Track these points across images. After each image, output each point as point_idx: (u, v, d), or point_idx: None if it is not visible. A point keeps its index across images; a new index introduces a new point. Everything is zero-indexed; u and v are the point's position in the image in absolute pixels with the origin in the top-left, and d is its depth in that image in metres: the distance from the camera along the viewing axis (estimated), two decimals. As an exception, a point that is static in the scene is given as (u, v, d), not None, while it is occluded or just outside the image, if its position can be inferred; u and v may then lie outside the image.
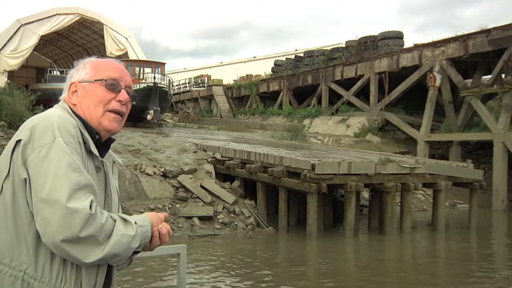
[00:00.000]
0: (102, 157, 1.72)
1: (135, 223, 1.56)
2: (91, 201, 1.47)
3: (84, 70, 1.75)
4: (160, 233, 1.68)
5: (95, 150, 1.64)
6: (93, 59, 1.80)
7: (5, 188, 1.54)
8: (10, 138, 11.82)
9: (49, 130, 1.52)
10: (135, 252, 1.66)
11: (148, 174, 13.24)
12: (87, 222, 1.43)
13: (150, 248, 1.70)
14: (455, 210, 16.90)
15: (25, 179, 1.50)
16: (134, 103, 1.83)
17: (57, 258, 1.52)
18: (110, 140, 1.82)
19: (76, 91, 1.73)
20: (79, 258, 1.46)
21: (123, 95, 1.74)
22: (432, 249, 12.00)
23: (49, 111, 1.66)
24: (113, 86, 1.72)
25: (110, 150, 1.87)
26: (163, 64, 27.42)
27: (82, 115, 1.70)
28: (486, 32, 19.76)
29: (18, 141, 1.54)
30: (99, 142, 1.71)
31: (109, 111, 1.72)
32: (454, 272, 9.55)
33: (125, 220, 1.55)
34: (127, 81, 1.78)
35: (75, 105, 1.72)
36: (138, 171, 13.29)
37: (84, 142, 1.61)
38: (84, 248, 1.45)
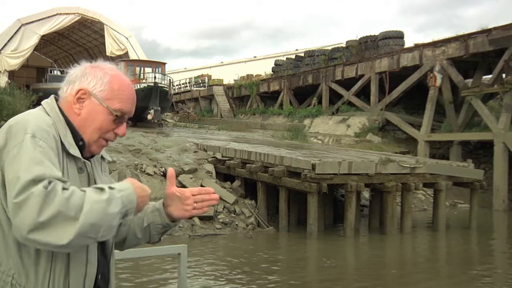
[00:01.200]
0: (86, 159, 1.67)
1: (111, 188, 1.45)
2: (48, 182, 1.36)
3: (101, 84, 1.64)
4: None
5: (75, 152, 1.58)
6: (114, 73, 1.68)
7: None
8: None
9: (22, 129, 1.46)
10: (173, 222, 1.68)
11: (148, 174, 13.24)
12: (44, 202, 1.32)
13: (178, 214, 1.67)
14: (456, 210, 16.89)
15: None
16: (156, 122, 1.77)
17: (41, 263, 1.47)
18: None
19: (83, 100, 1.64)
20: (54, 243, 1.33)
21: (122, 130, 1.69)
22: (432, 249, 12.00)
23: (25, 112, 1.61)
24: (119, 119, 1.67)
25: None
26: (164, 64, 27.41)
27: (76, 124, 1.64)
28: (486, 32, 19.76)
29: None
30: (81, 147, 1.65)
31: (103, 138, 1.68)
32: (454, 272, 9.55)
33: (99, 188, 1.45)
34: (132, 112, 1.72)
35: (77, 114, 1.64)
36: (138, 171, 13.29)
37: (62, 143, 1.55)
38: (53, 230, 1.33)
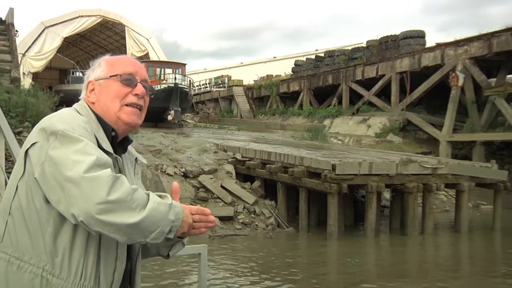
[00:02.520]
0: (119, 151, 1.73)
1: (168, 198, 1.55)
2: (111, 171, 1.46)
3: (99, 68, 1.77)
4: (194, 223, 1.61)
5: (107, 147, 1.63)
6: (107, 56, 1.82)
7: (19, 188, 1.57)
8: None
9: (60, 125, 1.54)
10: (180, 238, 1.67)
11: (169, 174, 13.34)
12: (113, 185, 1.41)
13: (187, 233, 1.61)
14: (479, 212, 16.63)
15: (35, 178, 1.51)
16: (152, 96, 1.83)
17: (75, 255, 1.52)
18: (127, 141, 1.82)
19: (93, 89, 1.75)
20: (123, 222, 1.40)
21: (140, 89, 1.75)
22: (455, 250, 11.84)
23: (59, 111, 1.68)
24: (128, 80, 1.74)
25: (133, 150, 1.88)
26: (184, 64, 27.57)
27: (100, 112, 1.72)
28: (510, 30, 19.40)
29: (34, 144, 1.56)
30: (114, 139, 1.72)
31: (126, 105, 1.73)
32: (478, 274, 9.40)
33: (159, 195, 1.53)
34: (143, 75, 1.79)
35: (93, 103, 1.73)
36: (159, 171, 13.40)
37: (97, 139, 1.61)
38: (121, 212, 1.40)
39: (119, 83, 1.73)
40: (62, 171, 1.45)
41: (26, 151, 1.58)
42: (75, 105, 1.75)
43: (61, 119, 1.58)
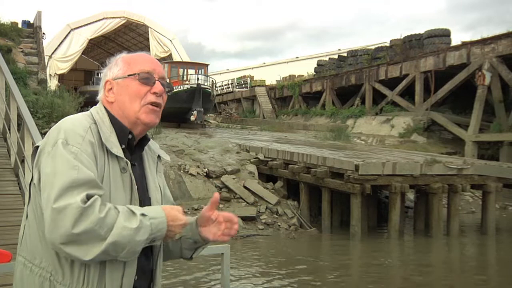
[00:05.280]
0: (135, 157, 1.73)
1: (143, 215, 1.50)
2: (87, 196, 1.45)
3: (116, 66, 1.75)
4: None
5: (118, 152, 1.63)
6: (124, 54, 1.80)
7: (32, 192, 1.60)
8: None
9: (55, 134, 1.55)
10: (189, 252, 1.75)
11: (191, 175, 13.42)
12: (80, 217, 1.40)
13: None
14: (506, 213, 16.30)
15: (34, 184, 1.56)
16: (169, 94, 1.82)
17: (76, 262, 1.52)
18: (144, 141, 1.81)
19: (111, 88, 1.74)
20: (79, 257, 1.43)
21: (158, 87, 1.73)
22: (481, 252, 11.63)
23: (69, 116, 1.69)
24: (146, 79, 1.72)
25: (156, 147, 1.88)
26: (207, 65, 27.71)
27: (118, 113, 1.71)
28: (539, 27, 18.97)
29: (37, 147, 1.60)
30: (131, 142, 1.71)
31: (146, 104, 1.71)
32: (505, 277, 9.21)
33: (132, 212, 1.50)
34: (160, 72, 1.77)
35: (112, 103, 1.72)
36: (182, 171, 13.48)
37: (104, 145, 1.61)
38: (83, 245, 1.42)
39: (137, 82, 1.71)
40: (44, 190, 1.48)
41: (33, 153, 1.63)
42: (92, 109, 1.75)
43: (65, 125, 1.59)
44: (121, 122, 1.70)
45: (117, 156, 1.63)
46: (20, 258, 1.62)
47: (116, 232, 1.44)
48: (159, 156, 1.87)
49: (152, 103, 1.72)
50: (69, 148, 1.51)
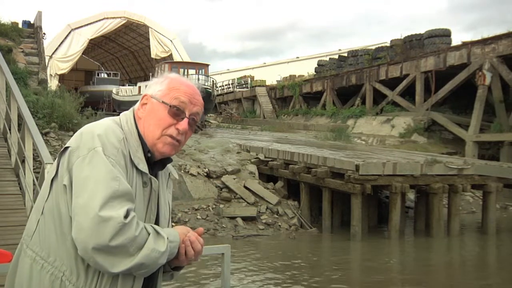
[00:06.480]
0: (155, 173, 1.74)
1: (167, 238, 1.55)
2: (127, 210, 1.47)
3: (160, 86, 1.75)
4: (187, 250, 1.64)
5: (144, 168, 1.65)
6: (174, 76, 1.79)
7: (53, 188, 1.61)
8: (60, 139, 12.20)
9: (93, 139, 1.55)
10: (177, 268, 1.75)
11: (192, 175, 13.42)
12: (119, 231, 1.44)
13: (178, 263, 1.67)
14: (506, 213, 16.29)
15: (65, 185, 1.55)
16: (198, 127, 1.77)
17: (92, 267, 1.53)
18: (167, 160, 1.82)
19: (146, 104, 1.74)
20: (105, 267, 1.46)
21: (183, 125, 1.72)
22: (482, 252, 11.63)
23: (101, 121, 1.68)
24: (175, 114, 1.71)
25: (169, 165, 1.88)
26: (207, 65, 27.73)
27: (142, 131, 1.71)
28: (539, 27, 18.96)
29: (67, 147, 1.60)
30: (150, 159, 1.72)
31: (166, 135, 1.71)
32: (506, 277, 9.21)
33: (158, 233, 1.54)
34: (194, 109, 1.75)
35: (140, 118, 1.73)
36: (182, 171, 13.48)
37: (132, 159, 1.62)
38: (112, 257, 1.45)
39: (168, 112, 1.71)
40: (78, 194, 1.49)
41: (62, 152, 1.62)
42: (122, 115, 1.75)
43: (101, 132, 1.58)
44: (144, 139, 1.71)
45: (141, 171, 1.64)
46: (30, 252, 1.61)
47: (145, 253, 1.48)
48: (170, 173, 1.90)
49: (172, 137, 1.72)
50: (107, 159, 1.53)
